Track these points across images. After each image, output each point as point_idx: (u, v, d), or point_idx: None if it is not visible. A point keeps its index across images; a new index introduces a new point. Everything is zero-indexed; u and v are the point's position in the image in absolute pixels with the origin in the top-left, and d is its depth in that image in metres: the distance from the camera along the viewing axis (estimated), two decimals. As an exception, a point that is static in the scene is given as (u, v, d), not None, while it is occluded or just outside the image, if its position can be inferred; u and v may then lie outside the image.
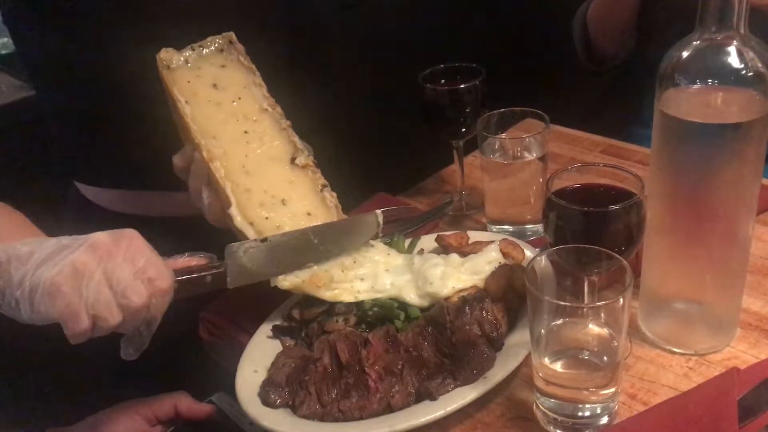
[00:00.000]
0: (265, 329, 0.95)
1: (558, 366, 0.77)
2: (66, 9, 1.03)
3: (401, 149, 1.80)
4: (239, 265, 0.87)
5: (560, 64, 1.74)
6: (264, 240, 0.90)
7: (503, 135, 1.11)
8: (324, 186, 0.97)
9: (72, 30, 1.05)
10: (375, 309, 0.92)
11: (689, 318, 0.88)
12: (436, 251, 1.01)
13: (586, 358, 0.78)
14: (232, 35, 1.01)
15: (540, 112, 1.07)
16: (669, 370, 0.85)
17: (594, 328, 0.77)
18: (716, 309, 0.86)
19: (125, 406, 0.89)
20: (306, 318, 0.94)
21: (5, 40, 2.07)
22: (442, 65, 1.15)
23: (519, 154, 1.08)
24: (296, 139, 0.98)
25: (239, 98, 0.99)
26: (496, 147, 1.08)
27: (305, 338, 0.93)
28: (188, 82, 0.97)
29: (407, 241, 1.05)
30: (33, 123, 1.50)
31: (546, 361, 0.77)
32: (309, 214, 0.95)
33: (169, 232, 0.93)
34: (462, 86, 1.10)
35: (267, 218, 0.93)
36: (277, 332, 0.95)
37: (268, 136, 0.98)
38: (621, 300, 0.72)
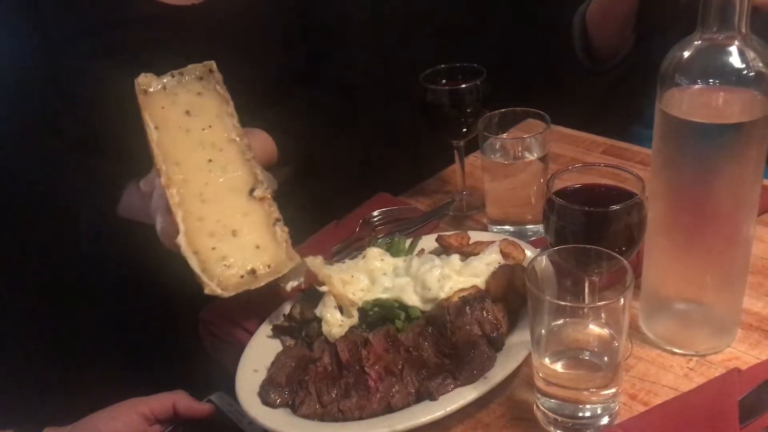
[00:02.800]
0: (266, 329, 0.95)
1: (558, 366, 0.77)
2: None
3: (402, 149, 1.80)
4: None
5: (561, 64, 1.74)
6: None
7: (504, 135, 1.11)
8: (277, 220, 0.97)
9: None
10: (375, 309, 0.92)
11: (690, 319, 0.87)
12: (436, 251, 1.00)
13: (587, 358, 0.78)
14: (213, 64, 1.02)
15: (541, 112, 1.07)
16: (670, 371, 0.85)
17: (594, 329, 0.77)
18: (717, 310, 0.86)
19: (124, 404, 0.89)
20: (306, 318, 0.94)
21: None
22: (443, 65, 1.15)
23: (520, 154, 1.08)
24: (258, 170, 0.99)
25: (210, 126, 1.00)
26: (497, 147, 1.08)
27: (305, 338, 0.93)
28: (162, 108, 0.99)
29: (408, 242, 1.05)
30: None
31: (546, 361, 0.77)
32: (257, 247, 0.95)
33: None
34: (463, 86, 1.10)
35: (213, 248, 0.93)
36: (278, 332, 0.95)
37: (231, 165, 0.99)
38: (622, 300, 0.71)
